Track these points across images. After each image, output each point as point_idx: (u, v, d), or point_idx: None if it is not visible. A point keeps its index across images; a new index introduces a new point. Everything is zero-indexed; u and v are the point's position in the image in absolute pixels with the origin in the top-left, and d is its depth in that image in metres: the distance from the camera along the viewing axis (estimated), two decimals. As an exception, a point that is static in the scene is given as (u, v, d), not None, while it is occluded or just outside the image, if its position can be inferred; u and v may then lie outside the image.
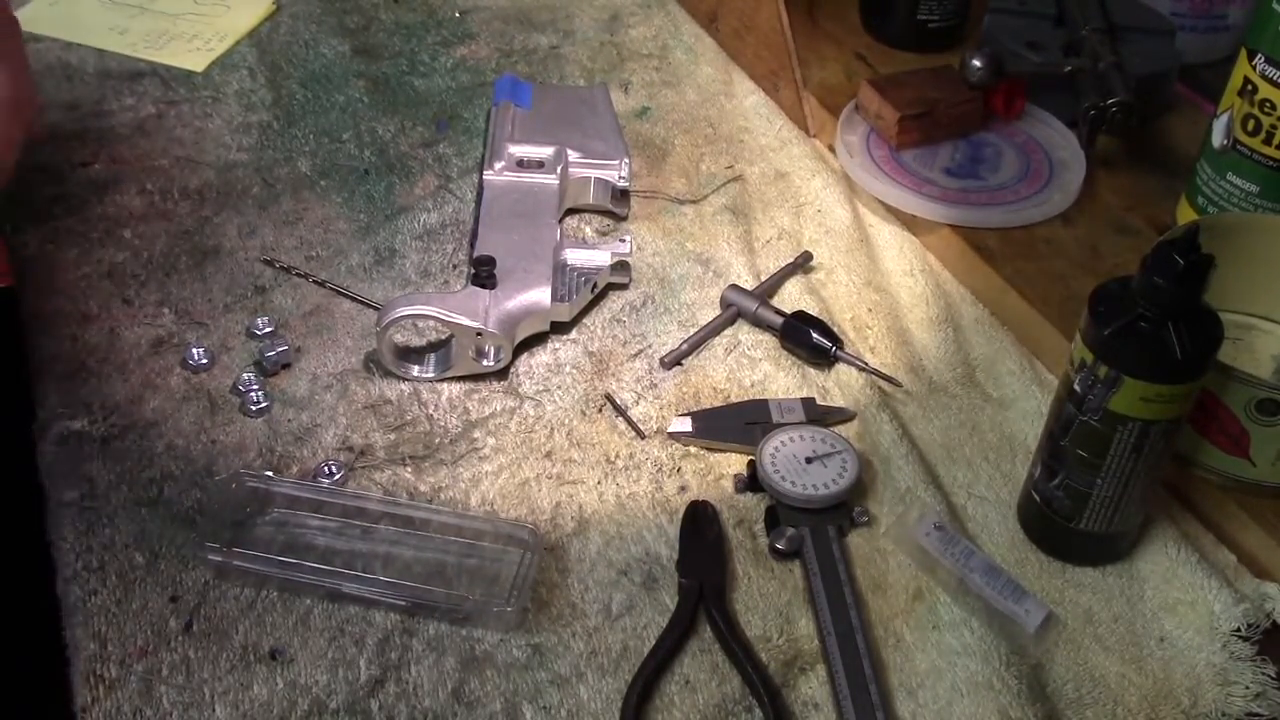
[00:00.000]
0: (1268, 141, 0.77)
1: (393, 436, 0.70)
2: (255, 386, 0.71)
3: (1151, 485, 0.63)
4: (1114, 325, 0.58)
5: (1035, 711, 0.59)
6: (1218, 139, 0.80)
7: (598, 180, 0.86)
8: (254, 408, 0.71)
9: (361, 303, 0.78)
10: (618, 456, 0.70)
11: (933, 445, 0.72)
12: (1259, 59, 0.76)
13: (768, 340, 0.78)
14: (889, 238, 0.87)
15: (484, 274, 0.74)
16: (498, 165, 0.85)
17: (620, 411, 0.73)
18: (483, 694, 0.59)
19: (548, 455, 0.70)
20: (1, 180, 0.66)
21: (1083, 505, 0.63)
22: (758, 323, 0.78)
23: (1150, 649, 0.63)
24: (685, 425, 0.71)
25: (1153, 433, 0.60)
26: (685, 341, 0.77)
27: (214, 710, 0.57)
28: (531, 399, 0.73)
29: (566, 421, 0.72)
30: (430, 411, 0.72)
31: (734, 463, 0.70)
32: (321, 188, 0.88)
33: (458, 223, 0.85)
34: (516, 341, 0.75)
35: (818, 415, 0.72)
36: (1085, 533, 0.64)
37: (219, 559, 0.62)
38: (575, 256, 0.79)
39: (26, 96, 0.69)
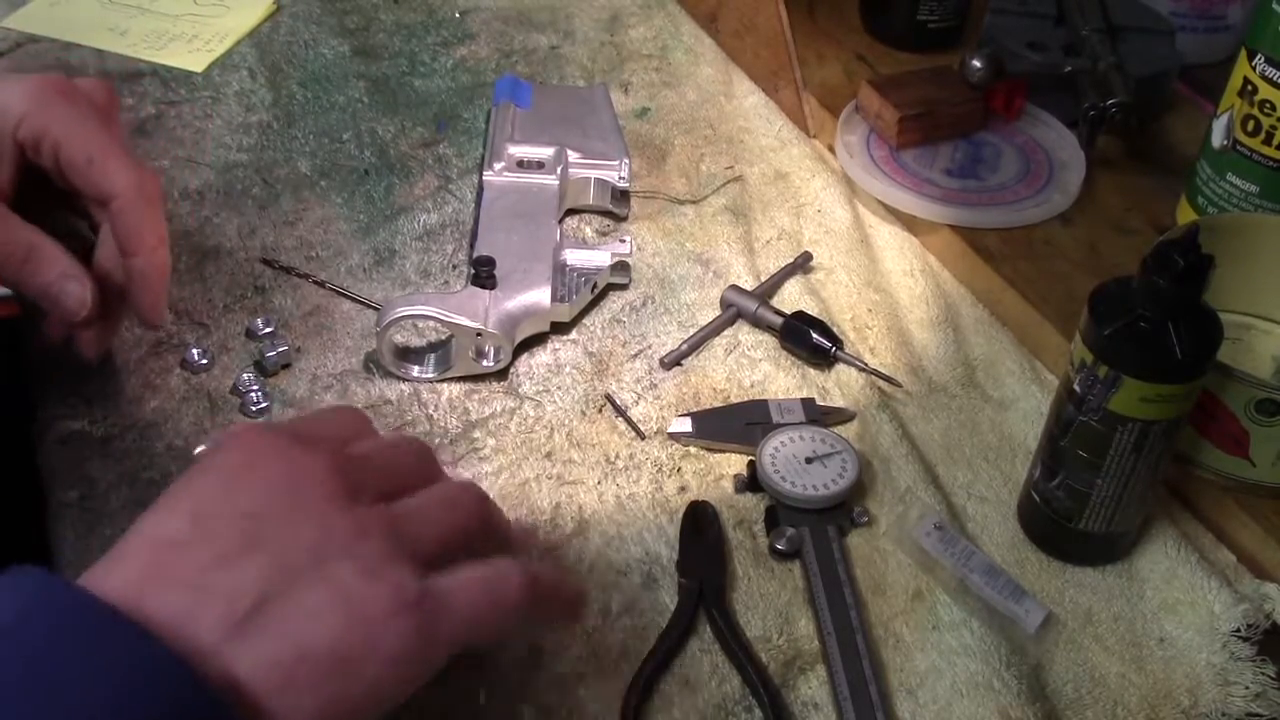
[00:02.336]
0: (1268, 142, 0.77)
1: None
2: (255, 387, 0.71)
3: (1151, 485, 0.63)
4: (1114, 325, 0.58)
5: (1035, 711, 0.59)
6: (1218, 139, 0.80)
7: (598, 180, 0.86)
8: (254, 408, 0.71)
9: (361, 303, 0.78)
10: (618, 457, 0.70)
11: (933, 445, 0.72)
12: (1259, 59, 0.76)
13: (768, 340, 0.78)
14: (889, 238, 0.87)
15: (484, 274, 0.74)
16: (498, 165, 0.85)
17: (620, 412, 0.73)
18: (482, 694, 0.59)
19: (548, 456, 0.70)
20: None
21: (1083, 505, 0.63)
22: (758, 323, 0.78)
23: (1150, 649, 0.63)
24: (685, 425, 0.71)
25: (1153, 433, 0.60)
26: (685, 342, 0.77)
27: (214, 710, 0.57)
28: (531, 399, 0.73)
29: (566, 422, 0.72)
30: (430, 412, 0.72)
31: (734, 463, 0.70)
32: (321, 188, 0.88)
33: (458, 223, 0.85)
34: (516, 342, 0.75)
35: (818, 415, 0.72)
36: (1085, 533, 0.64)
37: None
38: (575, 257, 0.79)
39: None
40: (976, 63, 0.89)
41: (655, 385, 0.75)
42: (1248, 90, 0.77)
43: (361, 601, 0.43)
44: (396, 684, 0.44)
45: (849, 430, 0.73)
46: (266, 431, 0.49)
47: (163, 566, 0.43)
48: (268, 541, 0.44)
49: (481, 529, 0.52)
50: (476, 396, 0.73)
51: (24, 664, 0.38)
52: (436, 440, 0.70)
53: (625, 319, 0.79)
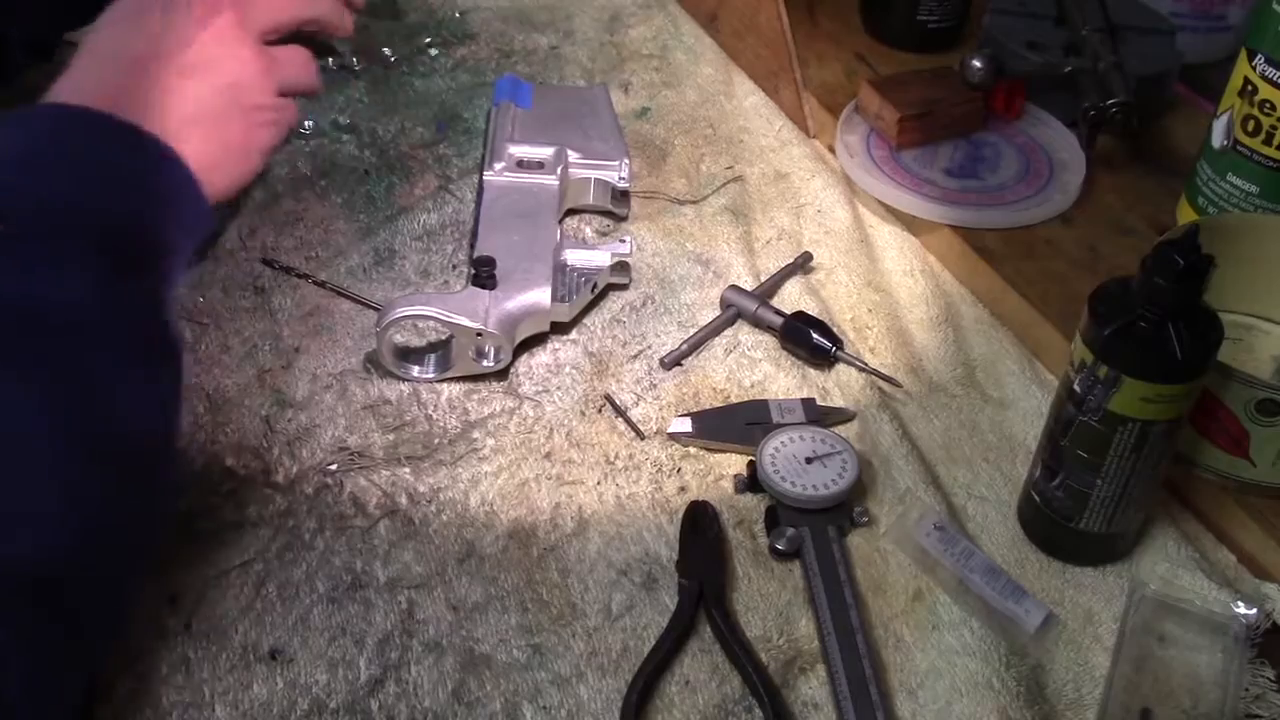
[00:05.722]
0: (1268, 142, 0.77)
1: (391, 437, 0.70)
2: (255, 387, 0.71)
3: (1151, 485, 0.63)
4: (1114, 325, 0.58)
5: (1035, 712, 0.59)
6: (1218, 139, 0.80)
7: (598, 181, 0.86)
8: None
9: (361, 303, 0.78)
10: (617, 457, 0.70)
11: (933, 445, 0.72)
12: (1259, 59, 0.76)
13: (768, 341, 0.78)
14: (889, 238, 0.87)
15: (484, 274, 0.74)
16: (498, 165, 0.85)
17: (620, 412, 0.73)
18: (482, 694, 0.59)
19: (547, 456, 0.70)
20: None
21: (1082, 505, 0.63)
22: (758, 323, 0.78)
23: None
24: (685, 426, 0.71)
25: (1153, 433, 0.60)
26: (685, 342, 0.77)
27: (214, 710, 0.57)
28: (531, 399, 0.73)
29: (566, 422, 0.72)
30: (429, 412, 0.72)
31: (734, 463, 0.70)
32: (321, 188, 0.88)
33: (458, 223, 0.85)
34: (516, 342, 0.74)
35: (818, 415, 0.72)
36: (1085, 533, 0.64)
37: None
38: (575, 257, 0.79)
39: None
40: (976, 63, 0.89)
41: (655, 385, 0.75)
42: (1248, 90, 0.77)
43: (251, 117, 0.64)
44: (259, 162, 0.66)
45: (849, 430, 0.73)
46: None
47: (116, 86, 0.58)
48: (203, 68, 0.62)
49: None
50: (476, 396, 0.73)
51: (48, 135, 0.55)
52: (436, 441, 0.70)
53: (625, 319, 0.79)
